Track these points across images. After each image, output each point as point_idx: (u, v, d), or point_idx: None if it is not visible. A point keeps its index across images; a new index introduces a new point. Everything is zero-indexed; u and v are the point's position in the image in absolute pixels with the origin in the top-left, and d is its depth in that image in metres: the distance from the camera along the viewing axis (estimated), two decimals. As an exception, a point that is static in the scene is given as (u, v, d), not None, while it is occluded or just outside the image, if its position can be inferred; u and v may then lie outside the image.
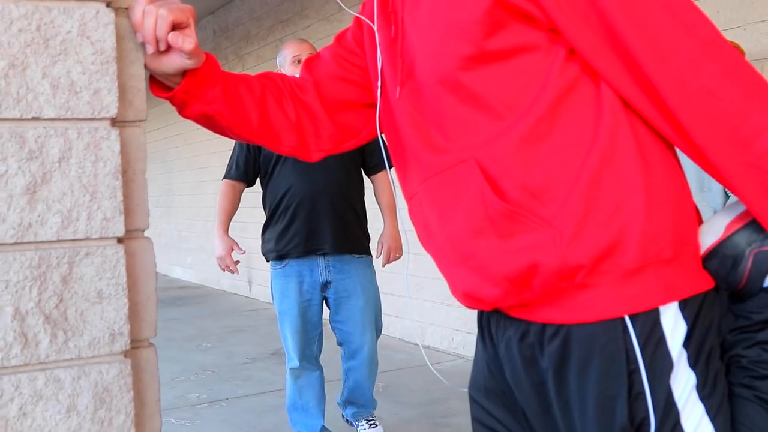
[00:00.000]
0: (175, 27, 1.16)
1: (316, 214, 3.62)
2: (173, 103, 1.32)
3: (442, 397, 4.67)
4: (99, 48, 1.04)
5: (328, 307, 3.79)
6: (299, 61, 3.62)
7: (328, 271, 3.67)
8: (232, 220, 3.88)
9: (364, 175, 3.92)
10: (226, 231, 3.75)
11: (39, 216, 1.01)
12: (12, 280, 1.00)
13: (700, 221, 1.19)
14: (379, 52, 1.35)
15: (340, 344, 3.87)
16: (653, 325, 1.10)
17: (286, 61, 3.72)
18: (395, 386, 4.92)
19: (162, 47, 1.16)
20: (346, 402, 3.97)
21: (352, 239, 3.71)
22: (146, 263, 1.12)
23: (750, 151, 1.05)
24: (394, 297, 6.38)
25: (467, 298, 1.25)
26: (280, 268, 3.72)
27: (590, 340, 1.11)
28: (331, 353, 3.91)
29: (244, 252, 3.73)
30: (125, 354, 1.08)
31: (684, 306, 1.11)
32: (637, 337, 1.09)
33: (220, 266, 3.72)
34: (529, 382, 1.21)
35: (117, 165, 1.05)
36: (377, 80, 1.37)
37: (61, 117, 1.02)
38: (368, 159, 3.83)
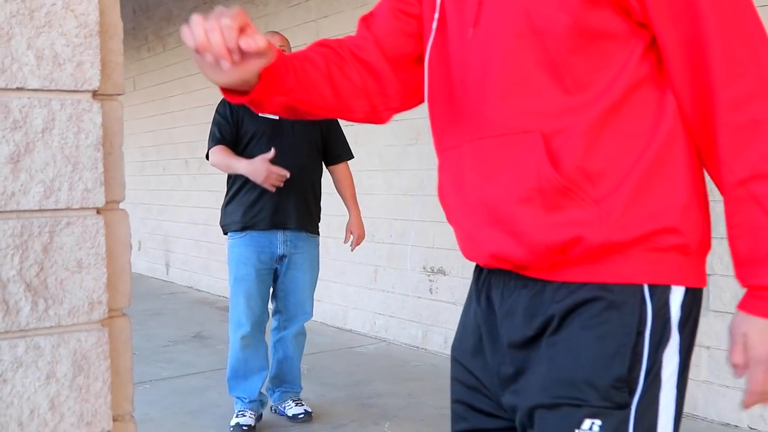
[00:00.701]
0: (240, 31, 1.13)
1: (284, 192, 3.80)
2: (251, 104, 1.31)
3: (366, 379, 4.74)
4: (83, 21, 1.06)
5: (275, 277, 3.99)
6: None
7: (286, 246, 3.90)
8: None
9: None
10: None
11: (22, 185, 1.03)
12: (-6, 248, 1.01)
13: None
14: None
15: (275, 312, 4.04)
16: (665, 301, 1.19)
17: None
18: (319, 368, 4.97)
19: (236, 57, 1.13)
20: (274, 380, 4.06)
21: (310, 218, 3.97)
22: (122, 235, 1.14)
23: (759, 183, 1.14)
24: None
25: (492, 258, 1.29)
26: (240, 237, 3.90)
27: (609, 298, 1.19)
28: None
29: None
30: (102, 323, 1.10)
31: (686, 294, 1.21)
32: (652, 307, 1.18)
33: (270, 179, 3.68)
34: (522, 337, 1.26)
35: (98, 137, 1.07)
36: (431, 18, 1.36)
37: (45, 88, 1.04)
38: (331, 149, 4.09)
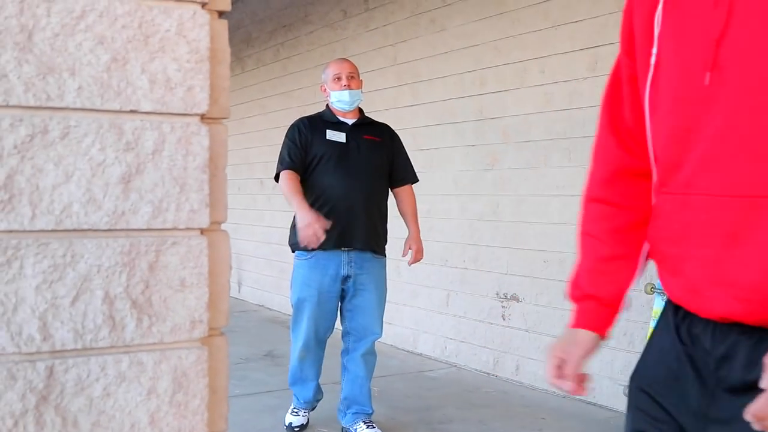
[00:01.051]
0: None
1: (351, 214, 3.96)
2: None
3: (437, 404, 4.72)
4: (194, 47, 1.09)
5: (343, 298, 4.11)
6: (339, 78, 4.05)
7: (350, 266, 4.01)
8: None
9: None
10: (309, 206, 3.90)
11: (132, 205, 1.06)
12: (104, 265, 1.04)
13: None
14: (660, 20, 1.30)
15: (345, 335, 4.16)
16: None
17: (329, 78, 4.11)
18: (390, 391, 4.97)
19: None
20: (344, 401, 4.13)
21: (377, 240, 4.08)
22: (223, 255, 1.16)
23: None
24: (387, 304, 6.42)
25: (721, 318, 1.26)
26: (306, 259, 4.04)
27: None
28: (330, 358, 4.07)
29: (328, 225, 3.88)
30: (202, 341, 1.12)
31: None
32: None
33: (306, 234, 3.78)
34: (742, 384, 1.23)
35: (205, 159, 1.10)
36: (648, 54, 1.32)
37: (157, 111, 1.07)
38: (395, 173, 4.22)
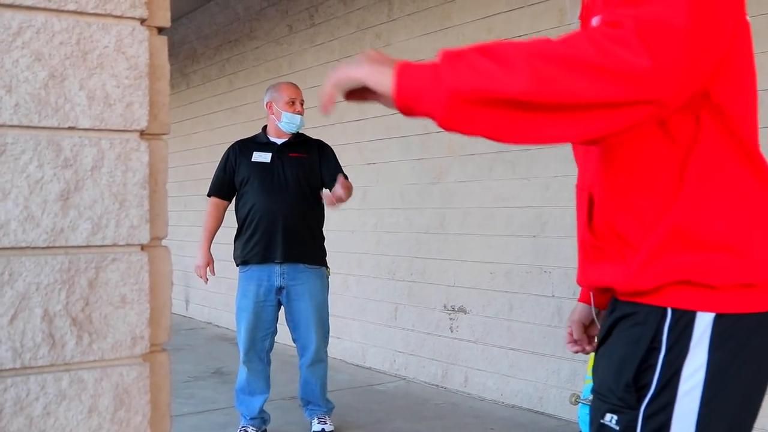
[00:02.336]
0: None
1: (273, 229, 4.20)
2: None
3: (387, 417, 4.73)
4: (133, 63, 1.09)
5: (284, 310, 4.33)
6: (293, 103, 4.25)
7: (283, 278, 4.24)
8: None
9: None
10: (209, 247, 4.43)
11: (71, 222, 1.05)
12: (42, 283, 1.03)
13: None
14: None
15: (294, 342, 4.41)
16: (685, 324, 1.31)
17: (282, 100, 4.26)
18: (339, 406, 4.94)
19: None
20: (302, 399, 4.43)
21: (304, 250, 4.27)
22: (164, 271, 1.16)
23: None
24: (335, 318, 6.41)
25: (580, 283, 1.60)
26: (244, 272, 4.31)
27: (640, 316, 1.36)
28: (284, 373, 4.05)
29: (215, 275, 4.40)
30: (144, 357, 1.12)
31: (717, 320, 1.30)
32: (669, 328, 1.32)
33: (196, 273, 4.35)
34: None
35: (145, 175, 1.10)
36: None
37: (96, 127, 1.06)
38: (325, 180, 4.36)
